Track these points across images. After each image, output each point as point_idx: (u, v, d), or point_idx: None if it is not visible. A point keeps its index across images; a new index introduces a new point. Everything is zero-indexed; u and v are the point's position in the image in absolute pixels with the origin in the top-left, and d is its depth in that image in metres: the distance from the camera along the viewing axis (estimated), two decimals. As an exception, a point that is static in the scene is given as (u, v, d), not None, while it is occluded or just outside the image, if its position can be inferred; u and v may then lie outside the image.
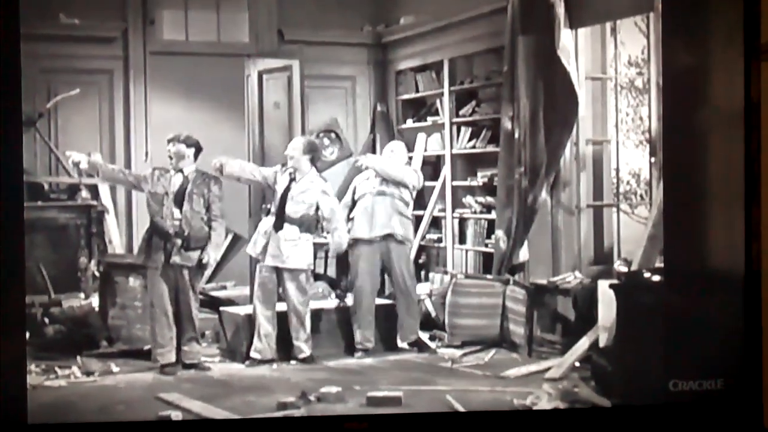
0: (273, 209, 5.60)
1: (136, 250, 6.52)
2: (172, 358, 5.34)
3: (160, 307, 5.34)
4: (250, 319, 5.58)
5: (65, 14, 6.95)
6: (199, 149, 5.51)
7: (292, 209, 5.56)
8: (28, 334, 5.08)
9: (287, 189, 5.59)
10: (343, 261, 6.01)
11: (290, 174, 5.61)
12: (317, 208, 5.62)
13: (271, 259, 5.52)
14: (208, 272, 5.91)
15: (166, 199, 5.38)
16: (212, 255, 5.46)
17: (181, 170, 5.43)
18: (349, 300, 5.90)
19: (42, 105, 6.81)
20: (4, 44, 4.19)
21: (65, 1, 6.90)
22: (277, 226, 5.55)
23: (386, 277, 5.95)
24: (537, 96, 5.83)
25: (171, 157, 5.43)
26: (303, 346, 5.55)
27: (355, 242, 5.81)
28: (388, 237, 5.81)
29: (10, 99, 4.28)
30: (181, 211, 5.36)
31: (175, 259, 5.34)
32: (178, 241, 5.34)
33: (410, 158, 7.33)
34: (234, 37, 7.52)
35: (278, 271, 5.56)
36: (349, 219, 5.89)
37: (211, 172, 5.53)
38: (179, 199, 5.39)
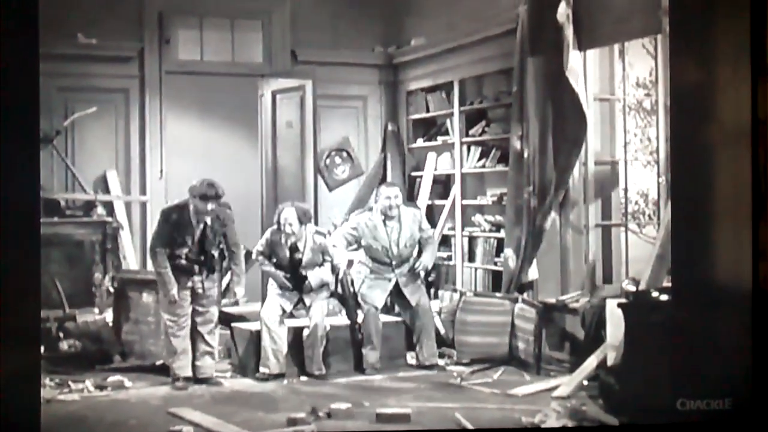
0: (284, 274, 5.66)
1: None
2: (189, 371, 5.40)
3: (180, 323, 5.38)
4: (261, 335, 5.59)
5: (83, 34, 7.08)
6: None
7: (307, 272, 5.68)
8: (42, 348, 5.15)
9: (293, 258, 5.66)
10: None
11: (291, 246, 5.66)
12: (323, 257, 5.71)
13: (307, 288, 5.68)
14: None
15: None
16: (239, 291, 5.55)
17: (203, 221, 5.41)
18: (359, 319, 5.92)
19: (59, 123, 6.93)
20: (23, 63, 4.25)
21: (83, 21, 7.03)
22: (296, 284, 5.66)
23: (403, 299, 5.93)
24: (546, 116, 5.88)
25: (203, 213, 5.36)
26: (320, 363, 5.61)
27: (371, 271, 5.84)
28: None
29: (29, 117, 4.32)
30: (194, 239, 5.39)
31: (200, 289, 5.43)
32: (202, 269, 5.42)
33: (415, 178, 7.39)
34: (248, 58, 7.63)
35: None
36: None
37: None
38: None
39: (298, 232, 5.65)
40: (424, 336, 5.85)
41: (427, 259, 5.92)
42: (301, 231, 5.67)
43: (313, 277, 5.70)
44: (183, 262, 5.39)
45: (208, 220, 5.41)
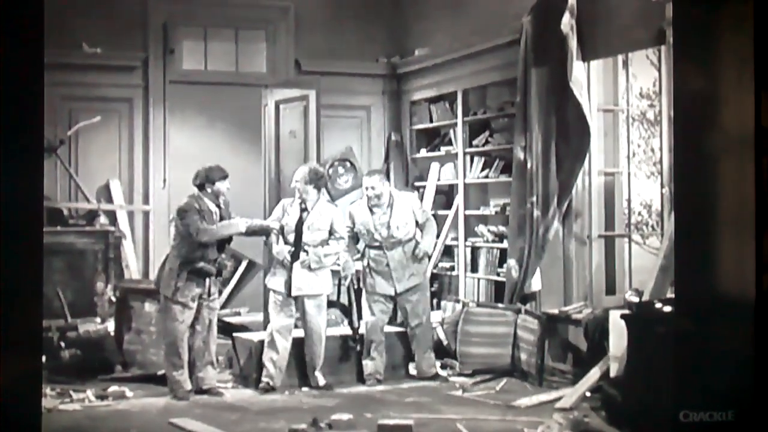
0: (288, 240, 5.57)
1: (153, 275, 6.57)
2: (189, 385, 5.36)
3: (180, 337, 5.33)
4: (264, 346, 5.56)
5: (88, 44, 7.11)
6: None
7: (309, 238, 5.58)
8: (44, 358, 5.14)
9: (300, 219, 5.59)
10: (356, 290, 6.00)
11: (300, 205, 5.61)
12: (330, 233, 5.61)
13: (296, 290, 5.53)
14: (222, 298, 5.96)
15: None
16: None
17: (219, 204, 5.44)
18: (362, 329, 5.89)
19: (63, 132, 6.94)
20: (27, 72, 4.27)
21: (88, 30, 7.06)
22: (295, 256, 5.56)
23: (400, 313, 5.90)
24: (549, 127, 5.88)
25: (224, 194, 5.42)
26: (320, 374, 5.57)
27: (373, 288, 5.77)
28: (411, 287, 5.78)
29: (33, 125, 4.33)
30: (224, 250, 5.40)
31: (213, 289, 5.41)
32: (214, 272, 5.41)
33: (418, 188, 7.38)
34: (252, 68, 7.66)
35: (298, 298, 5.55)
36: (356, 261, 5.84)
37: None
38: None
39: (306, 192, 5.54)
40: (425, 350, 5.82)
41: (427, 243, 5.81)
42: (313, 192, 5.58)
43: (314, 253, 5.52)
44: (200, 264, 5.30)
45: (222, 204, 5.43)
